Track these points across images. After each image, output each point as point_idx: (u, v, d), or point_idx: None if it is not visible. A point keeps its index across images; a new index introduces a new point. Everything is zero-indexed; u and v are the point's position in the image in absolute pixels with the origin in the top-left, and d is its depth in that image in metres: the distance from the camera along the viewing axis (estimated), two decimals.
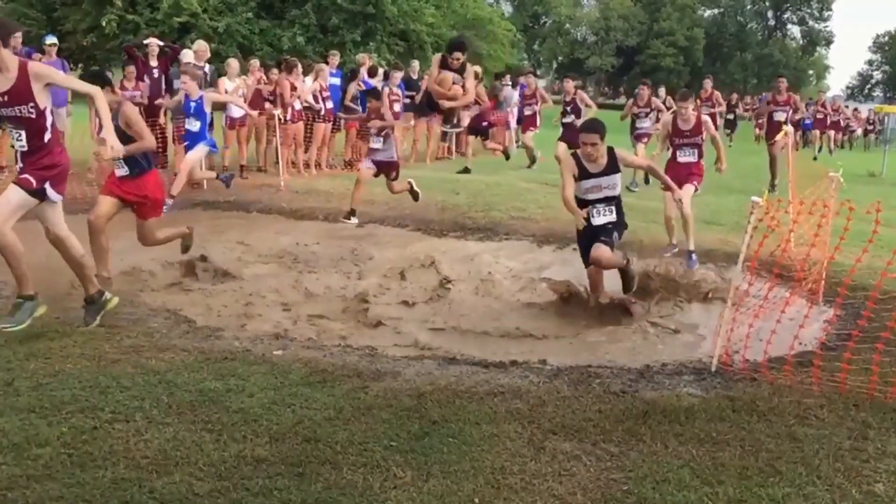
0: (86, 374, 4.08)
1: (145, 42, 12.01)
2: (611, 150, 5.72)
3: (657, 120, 11.85)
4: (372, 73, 13.74)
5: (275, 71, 12.46)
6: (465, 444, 3.52)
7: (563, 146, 11.28)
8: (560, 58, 65.25)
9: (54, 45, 10.93)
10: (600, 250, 5.63)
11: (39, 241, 5.99)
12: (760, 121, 13.79)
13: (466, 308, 6.04)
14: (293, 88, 12.05)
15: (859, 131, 31.94)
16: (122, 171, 5.91)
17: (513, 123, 16.88)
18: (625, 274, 5.94)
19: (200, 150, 9.31)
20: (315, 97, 12.45)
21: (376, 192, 9.56)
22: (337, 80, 13.48)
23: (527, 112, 14.74)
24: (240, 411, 3.72)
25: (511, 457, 3.43)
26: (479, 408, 3.91)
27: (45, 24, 24.90)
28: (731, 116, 23.47)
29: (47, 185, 4.68)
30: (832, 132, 24.26)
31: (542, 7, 65.26)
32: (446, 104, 7.25)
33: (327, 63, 13.63)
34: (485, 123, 13.63)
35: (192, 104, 9.13)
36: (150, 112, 11.19)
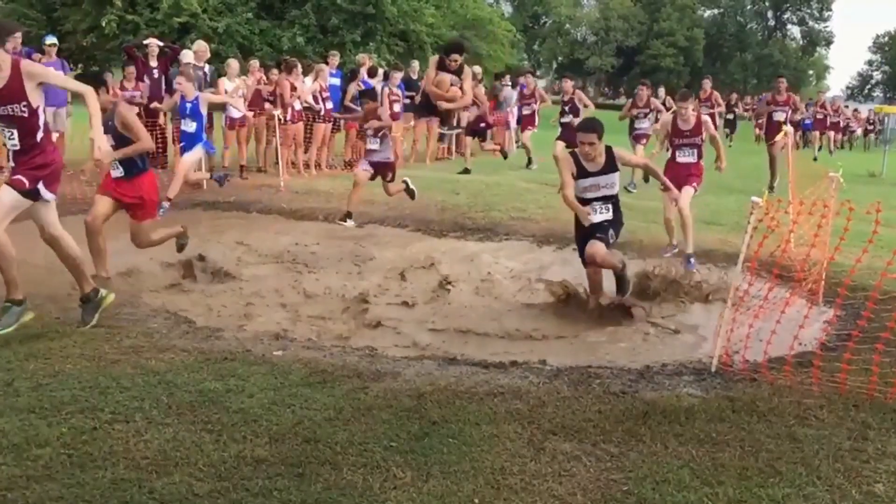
0: (85, 374, 4.08)
1: (145, 42, 12.02)
2: (609, 150, 5.71)
3: (656, 120, 11.84)
4: (372, 73, 13.74)
5: (275, 71, 12.46)
6: (465, 444, 3.52)
7: (560, 145, 11.28)
8: (560, 58, 65.26)
9: (54, 45, 10.93)
10: (595, 247, 5.63)
11: (39, 242, 6.00)
12: (760, 121, 13.71)
13: (466, 308, 6.04)
14: (293, 89, 12.06)
15: (859, 131, 31.95)
16: (117, 172, 5.91)
17: (513, 123, 16.90)
18: (619, 279, 5.93)
19: (197, 152, 9.27)
20: (315, 97, 12.46)
21: (376, 193, 9.55)
22: (337, 81, 13.48)
23: (525, 112, 14.76)
24: (240, 412, 3.72)
25: (511, 457, 3.42)
26: (479, 408, 3.91)
27: (44, 25, 24.90)
28: (730, 116, 23.47)
29: (40, 185, 4.67)
30: (832, 133, 24.25)
31: (542, 7, 65.27)
32: (444, 105, 7.24)
33: (327, 63, 13.63)
34: (482, 125, 13.63)
35: (188, 105, 9.11)
36: (150, 113, 11.20)
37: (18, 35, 10.20)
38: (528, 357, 4.88)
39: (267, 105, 11.99)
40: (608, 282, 6.05)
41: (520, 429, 3.70)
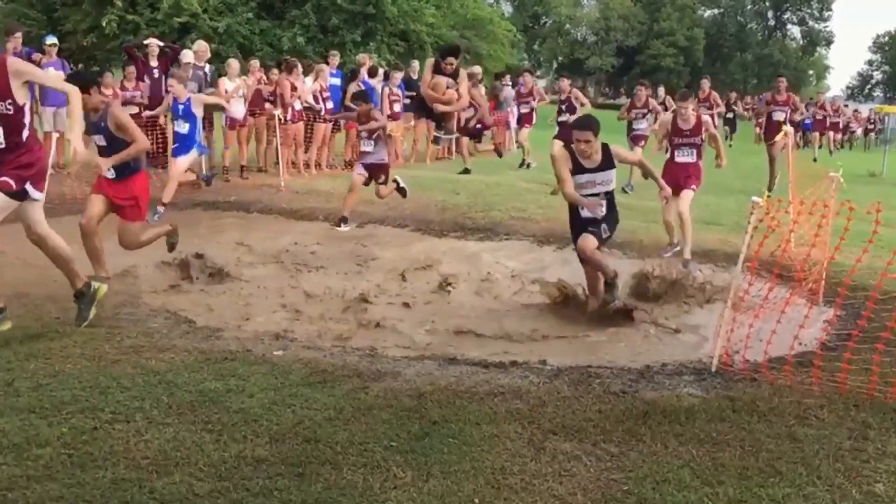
0: (86, 374, 4.08)
1: (145, 42, 12.03)
2: (605, 147, 5.68)
3: (655, 121, 11.80)
4: (372, 73, 13.74)
5: (275, 71, 12.46)
6: (465, 444, 3.52)
7: (558, 145, 11.27)
8: (560, 58, 65.23)
9: (54, 45, 10.94)
10: (586, 240, 5.61)
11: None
12: (760, 120, 13.62)
13: (467, 309, 6.04)
14: (293, 89, 12.06)
15: (860, 132, 31.94)
16: (109, 173, 5.88)
17: (513, 123, 16.90)
18: (609, 286, 5.82)
19: (191, 155, 9.18)
20: (315, 97, 12.45)
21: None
22: (337, 81, 13.48)
23: (523, 110, 14.71)
24: (240, 411, 3.72)
25: (511, 457, 3.43)
26: (480, 408, 3.91)
27: (45, 25, 24.88)
28: (730, 115, 23.44)
29: (28, 185, 4.65)
30: (832, 133, 24.21)
31: (542, 7, 65.22)
32: (440, 108, 7.22)
33: (327, 63, 13.63)
34: (479, 126, 13.59)
35: (181, 107, 9.07)
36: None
37: (19, 35, 10.23)
38: (528, 357, 4.89)
39: (267, 105, 12.00)
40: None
41: (520, 428, 3.70)
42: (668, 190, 6.55)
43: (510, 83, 17.16)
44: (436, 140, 8.55)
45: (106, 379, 4.02)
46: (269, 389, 4.00)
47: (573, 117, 11.85)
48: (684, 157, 7.56)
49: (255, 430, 3.55)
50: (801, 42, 67.17)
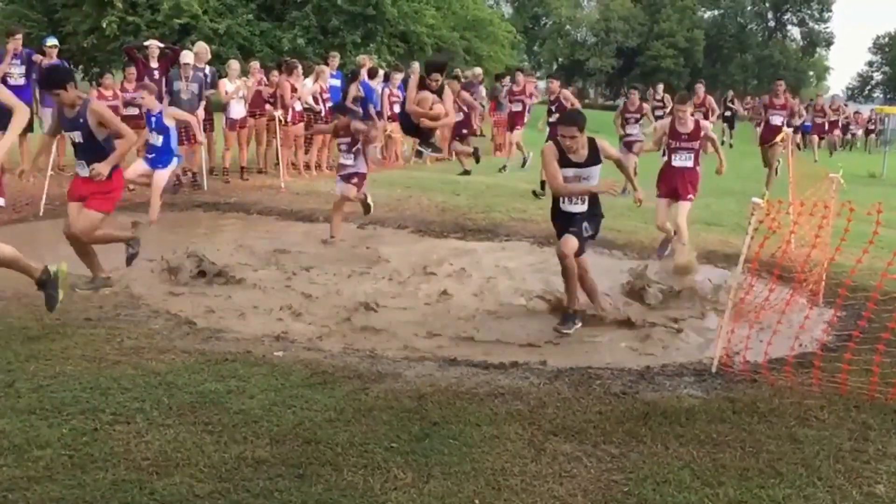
0: (86, 375, 4.08)
1: (146, 44, 12.03)
2: (592, 141, 5.56)
3: (656, 119, 11.69)
4: (372, 74, 13.74)
5: (275, 73, 12.47)
6: (465, 445, 3.52)
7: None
8: (560, 59, 65.25)
9: (55, 46, 10.93)
10: (567, 243, 5.45)
11: (42, 245, 6.03)
12: (758, 122, 13.38)
13: (467, 309, 6.03)
14: (293, 90, 12.07)
15: (860, 133, 31.95)
16: (84, 171, 5.80)
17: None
18: (564, 313, 5.63)
19: (170, 169, 8.91)
20: (315, 99, 12.46)
21: (376, 194, 9.56)
22: (337, 82, 13.49)
23: (515, 108, 14.30)
24: (240, 413, 3.72)
25: (511, 458, 3.43)
26: (480, 409, 3.92)
27: (45, 26, 24.89)
28: (728, 114, 23.42)
29: None
30: (834, 132, 24.14)
31: (543, 8, 65.24)
32: (427, 123, 7.19)
33: (327, 64, 13.64)
34: (464, 130, 13.52)
35: (153, 119, 8.79)
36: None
37: (19, 36, 10.24)
38: (528, 358, 4.89)
39: (267, 106, 12.00)
40: (606, 284, 6.04)
41: (520, 430, 3.70)
42: (642, 193, 6.19)
43: (510, 84, 17.15)
44: (418, 154, 8.28)
45: (106, 380, 4.02)
46: (270, 391, 4.00)
47: None
48: (682, 161, 7.43)
49: (255, 431, 3.55)
50: (801, 43, 67.18)
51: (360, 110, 13.24)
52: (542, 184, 10.30)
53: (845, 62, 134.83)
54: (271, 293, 6.23)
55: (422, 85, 7.10)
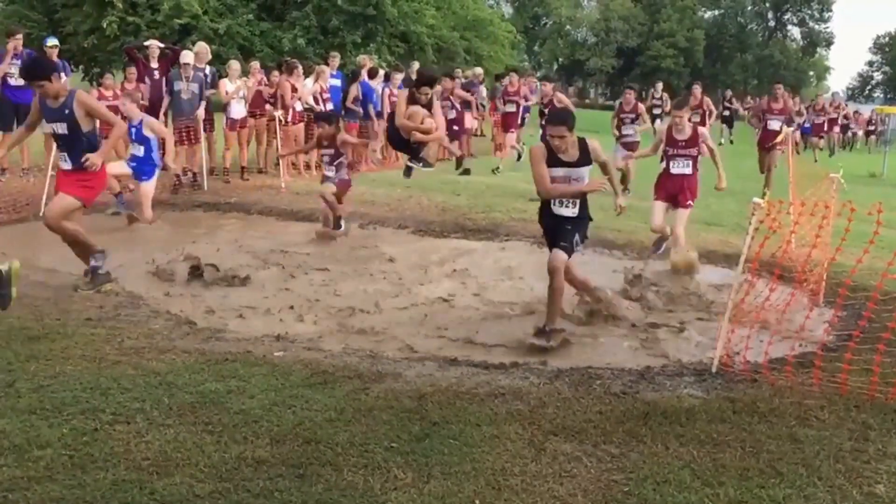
0: (87, 375, 4.08)
1: (146, 44, 12.03)
2: (582, 141, 5.38)
3: (653, 120, 11.57)
4: (372, 74, 13.74)
5: (276, 73, 12.47)
6: (465, 445, 3.52)
7: None
8: (560, 59, 65.31)
9: (55, 46, 10.93)
10: (558, 258, 5.27)
11: (42, 245, 6.04)
12: (755, 125, 13.07)
13: (467, 309, 6.03)
14: (294, 90, 12.06)
15: (861, 133, 31.93)
16: (66, 164, 5.73)
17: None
18: (542, 331, 5.35)
19: (154, 180, 8.69)
20: (315, 99, 12.46)
21: (377, 194, 9.58)
22: (337, 82, 13.49)
23: (508, 109, 14.23)
24: (241, 413, 3.72)
25: (512, 458, 3.43)
26: (480, 409, 3.92)
27: (46, 26, 24.89)
28: (726, 113, 23.37)
29: None
30: (835, 130, 24.06)
31: (543, 8, 65.27)
32: (419, 137, 7.17)
33: (328, 64, 13.63)
34: (455, 127, 13.50)
35: (133, 129, 8.52)
36: (151, 113, 11.19)
37: (20, 37, 10.24)
38: (528, 358, 4.89)
39: (268, 106, 12.00)
40: (602, 280, 6.02)
41: (521, 430, 3.70)
42: (623, 199, 5.93)
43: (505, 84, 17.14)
44: (408, 170, 7.89)
45: (107, 380, 4.02)
46: (270, 390, 4.00)
47: None
48: (680, 168, 7.30)
49: (255, 431, 3.55)
50: (801, 43, 67.22)
51: (361, 110, 13.27)
52: None
53: (845, 62, 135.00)
54: (271, 293, 6.23)
55: (411, 98, 7.08)
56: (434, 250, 7.95)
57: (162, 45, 12.01)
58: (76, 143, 5.67)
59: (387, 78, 14.05)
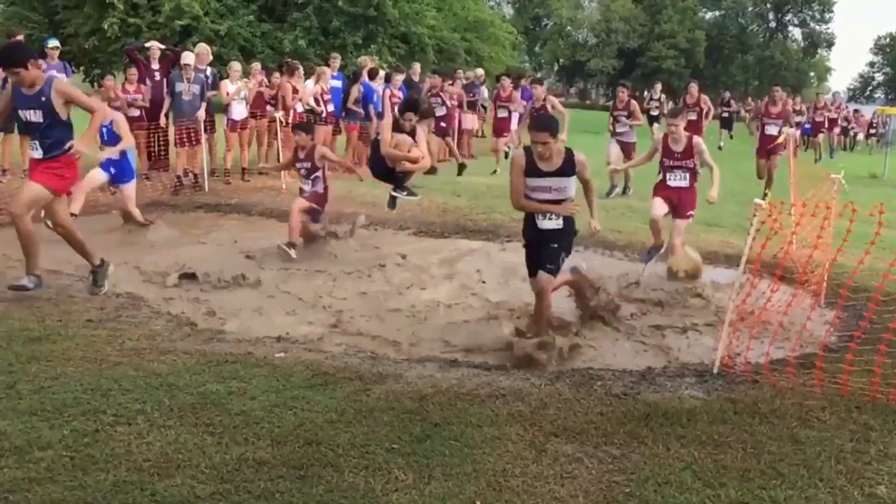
0: (87, 376, 4.08)
1: (147, 45, 12.04)
2: (569, 152, 5.14)
3: (651, 122, 11.37)
4: (372, 75, 13.75)
5: (277, 74, 12.48)
6: (466, 446, 3.52)
7: None
8: (561, 60, 65.34)
9: (56, 48, 10.95)
10: (543, 282, 5.15)
11: (43, 246, 6.01)
12: (754, 131, 12.85)
13: (468, 310, 6.03)
14: (295, 91, 12.07)
15: (861, 135, 31.91)
16: (37, 153, 5.59)
17: (513, 125, 16.84)
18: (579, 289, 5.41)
19: (134, 182, 8.55)
20: (316, 100, 12.46)
21: (377, 195, 9.54)
22: (338, 83, 13.50)
23: (500, 115, 14.04)
24: (241, 414, 3.72)
25: (513, 459, 3.43)
26: (481, 410, 3.91)
27: (46, 28, 24.96)
28: (725, 115, 23.34)
29: None
30: (834, 131, 24.01)
31: (544, 9, 65.32)
32: (408, 167, 7.14)
33: (328, 66, 13.64)
34: (443, 124, 13.49)
35: (104, 130, 8.20)
36: (152, 114, 11.23)
37: (21, 38, 10.25)
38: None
39: (268, 107, 12.01)
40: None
41: (522, 431, 3.70)
42: (597, 223, 5.60)
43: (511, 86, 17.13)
44: (392, 200, 7.59)
45: (107, 381, 4.02)
46: (271, 392, 4.00)
47: None
48: (676, 181, 7.00)
49: (256, 432, 3.55)
50: (802, 44, 67.23)
51: (362, 111, 13.28)
52: None
53: (846, 63, 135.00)
54: (272, 295, 6.23)
55: (395, 127, 7.05)
56: (435, 251, 7.95)
57: (163, 47, 12.03)
58: (50, 132, 5.52)
59: (387, 79, 14.06)
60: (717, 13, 66.32)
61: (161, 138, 11.54)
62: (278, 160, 11.62)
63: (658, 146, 7.16)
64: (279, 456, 3.35)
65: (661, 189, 7.10)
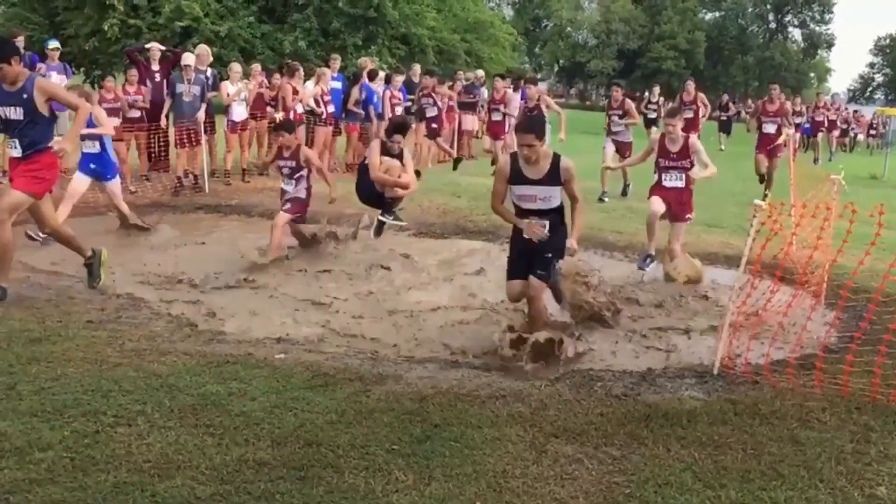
0: (88, 377, 4.08)
1: (147, 46, 12.05)
2: (556, 158, 4.95)
3: (648, 125, 11.25)
4: (372, 76, 13.76)
5: (277, 75, 12.48)
6: (466, 447, 3.52)
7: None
8: (561, 61, 65.40)
9: (57, 49, 10.96)
10: (536, 289, 5.08)
11: (43, 247, 6.03)
12: (753, 129, 12.75)
13: (468, 311, 6.03)
14: (295, 92, 12.07)
15: (861, 136, 31.91)
16: (16, 152, 5.52)
17: (508, 129, 16.83)
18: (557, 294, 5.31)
19: (118, 178, 8.36)
20: (317, 101, 12.47)
21: None
22: (338, 84, 13.50)
23: (494, 118, 13.76)
24: (242, 415, 3.72)
25: (513, 460, 3.43)
26: (481, 411, 3.91)
27: (47, 29, 24.95)
28: (724, 118, 23.31)
29: None
30: (833, 133, 23.98)
31: (543, 10, 65.38)
32: (400, 193, 7.12)
33: (329, 67, 13.65)
34: (433, 126, 13.47)
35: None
36: (152, 115, 11.23)
37: (21, 39, 10.26)
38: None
39: (269, 109, 12.01)
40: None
41: (522, 432, 3.70)
42: (575, 243, 5.11)
43: (511, 87, 17.13)
44: (379, 226, 7.40)
45: (108, 382, 4.02)
46: (271, 393, 4.00)
47: None
48: (673, 181, 6.93)
49: (256, 433, 3.55)
50: (802, 45, 67.30)
51: (363, 113, 13.28)
52: None
53: (846, 64, 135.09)
54: (273, 295, 6.23)
55: (383, 150, 7.05)
56: (435, 252, 7.95)
57: (163, 48, 12.04)
58: (29, 130, 5.46)
59: (387, 80, 14.06)
60: (717, 14, 66.41)
61: (161, 139, 11.54)
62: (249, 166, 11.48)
63: (654, 146, 7.09)
64: (279, 457, 3.35)
65: (657, 190, 7.05)
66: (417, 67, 16.22)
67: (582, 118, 29.44)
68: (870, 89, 68.85)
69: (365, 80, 13.48)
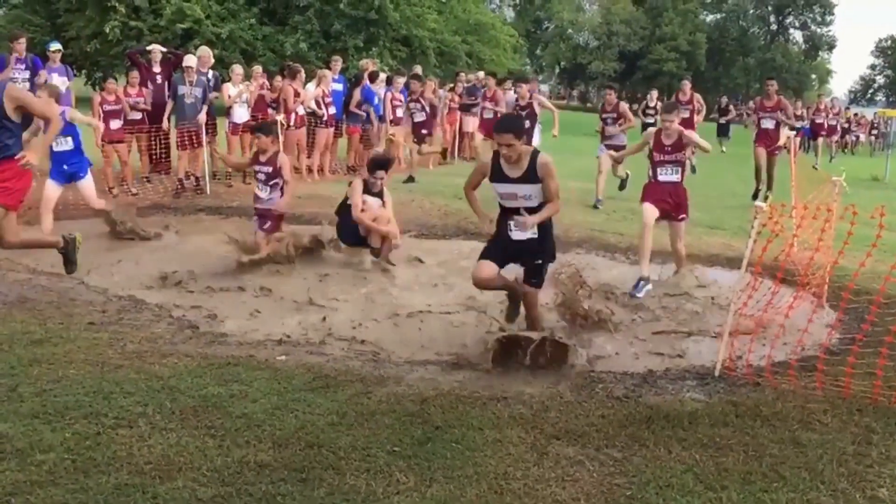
0: (89, 379, 4.08)
1: (148, 48, 12.05)
2: (535, 154, 4.90)
3: (655, 123, 11.25)
4: (373, 78, 13.77)
5: (278, 77, 12.50)
6: (468, 449, 3.52)
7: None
8: (562, 63, 65.43)
9: (58, 51, 10.95)
10: (529, 297, 5.13)
11: (43, 248, 6.03)
12: (752, 124, 12.65)
13: (469, 312, 6.03)
14: (296, 94, 12.08)
15: (862, 137, 31.88)
16: None
17: None
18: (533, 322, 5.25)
19: (90, 175, 8.07)
20: (318, 103, 12.48)
21: None
22: (339, 86, 13.51)
23: (486, 115, 13.71)
24: (243, 417, 3.72)
25: (514, 462, 3.43)
26: (482, 413, 3.91)
27: (48, 31, 25.04)
28: (723, 121, 23.29)
29: None
30: (832, 137, 23.94)
31: (545, 12, 65.42)
32: (383, 231, 7.08)
33: (330, 69, 13.66)
34: (423, 131, 13.44)
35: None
36: (153, 117, 11.24)
37: (23, 41, 10.26)
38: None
39: (270, 110, 12.02)
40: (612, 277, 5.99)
41: (523, 433, 3.70)
42: (528, 223, 4.95)
43: (510, 88, 17.15)
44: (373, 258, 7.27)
45: (109, 384, 4.02)
46: (272, 394, 4.00)
47: (534, 125, 11.13)
48: (667, 175, 6.80)
49: (258, 435, 3.55)
50: (803, 46, 67.32)
51: (364, 114, 13.29)
52: None
53: (848, 65, 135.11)
54: (273, 297, 6.23)
55: (365, 189, 7.05)
56: (436, 253, 7.94)
57: (164, 50, 12.04)
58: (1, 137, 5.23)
59: (389, 82, 14.07)
60: (718, 16, 66.46)
61: (162, 141, 11.55)
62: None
63: (649, 139, 6.96)
64: (280, 459, 3.35)
65: (651, 190, 6.87)
66: (418, 69, 16.24)
67: (583, 120, 29.44)
68: (871, 91, 68.85)
69: (366, 82, 13.49)
